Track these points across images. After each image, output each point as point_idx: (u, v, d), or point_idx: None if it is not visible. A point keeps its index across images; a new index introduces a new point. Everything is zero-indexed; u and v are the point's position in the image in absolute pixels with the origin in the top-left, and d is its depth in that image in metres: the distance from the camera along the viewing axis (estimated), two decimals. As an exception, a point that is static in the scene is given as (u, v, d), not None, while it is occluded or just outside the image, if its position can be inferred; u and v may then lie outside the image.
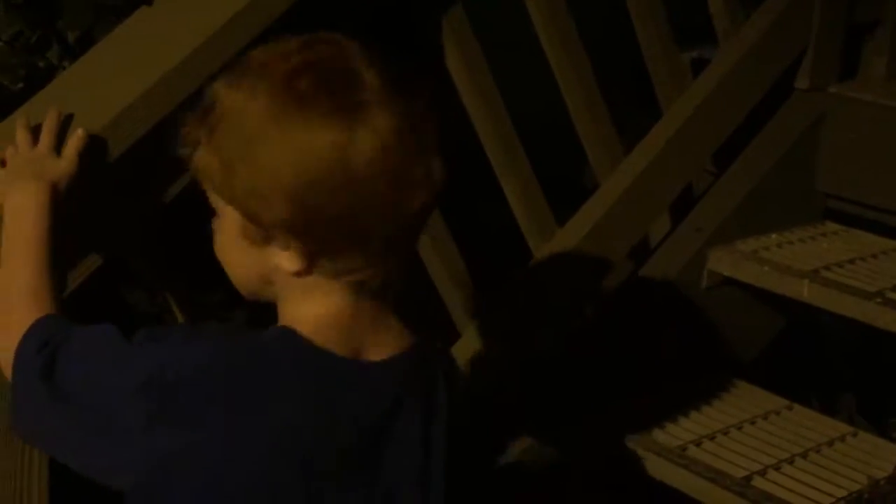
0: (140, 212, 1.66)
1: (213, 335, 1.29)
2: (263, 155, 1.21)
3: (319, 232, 1.21)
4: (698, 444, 2.11)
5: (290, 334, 1.24)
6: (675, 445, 2.09)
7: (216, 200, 1.27)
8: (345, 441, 1.25)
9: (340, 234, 1.22)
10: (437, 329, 2.22)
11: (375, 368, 1.27)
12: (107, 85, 1.62)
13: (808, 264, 2.32)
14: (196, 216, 1.34)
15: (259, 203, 1.22)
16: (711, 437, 2.14)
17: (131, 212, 1.64)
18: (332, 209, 1.20)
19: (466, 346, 2.15)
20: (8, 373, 1.33)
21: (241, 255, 1.28)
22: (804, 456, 2.11)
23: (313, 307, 1.25)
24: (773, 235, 2.44)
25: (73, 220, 1.46)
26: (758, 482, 2.02)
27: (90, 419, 1.25)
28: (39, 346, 1.30)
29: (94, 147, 1.52)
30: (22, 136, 1.50)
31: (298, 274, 1.24)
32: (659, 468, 2.06)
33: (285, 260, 1.24)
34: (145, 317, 2.24)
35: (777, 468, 2.07)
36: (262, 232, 1.24)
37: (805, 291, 2.26)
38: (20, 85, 1.70)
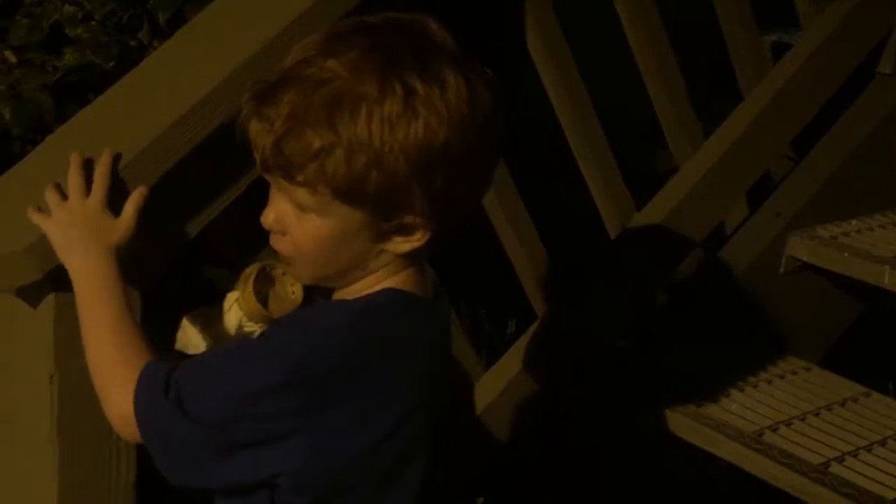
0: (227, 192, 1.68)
1: (333, 315, 1.31)
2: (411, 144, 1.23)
3: (446, 209, 1.27)
4: (775, 430, 2.11)
5: (401, 295, 1.32)
6: (751, 431, 2.09)
7: (317, 204, 1.26)
8: (437, 365, 1.39)
9: (460, 207, 1.30)
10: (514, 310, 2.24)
11: (437, 304, 1.40)
12: (192, 70, 1.64)
13: (890, 250, 2.30)
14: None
15: (401, 198, 1.25)
16: (788, 423, 2.13)
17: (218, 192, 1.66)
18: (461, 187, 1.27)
19: (543, 329, 2.16)
20: (127, 430, 1.33)
21: (344, 251, 1.30)
22: (882, 443, 2.10)
23: (404, 267, 1.32)
24: (854, 221, 2.42)
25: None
26: (835, 468, 2.01)
27: (246, 429, 1.26)
28: (163, 390, 1.29)
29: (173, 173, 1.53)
30: (76, 182, 1.45)
31: (409, 252, 1.30)
32: (735, 453, 2.06)
33: (403, 244, 1.29)
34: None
35: (854, 455, 2.05)
36: (392, 226, 1.28)
37: (886, 277, 2.24)
38: (112, 63, 1.74)
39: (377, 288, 1.32)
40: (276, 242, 1.33)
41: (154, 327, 1.49)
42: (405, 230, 1.29)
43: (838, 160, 2.45)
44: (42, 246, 1.47)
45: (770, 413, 2.16)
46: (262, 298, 1.42)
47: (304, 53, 1.26)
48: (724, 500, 2.27)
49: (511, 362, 2.15)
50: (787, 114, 2.38)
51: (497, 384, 2.13)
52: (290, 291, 1.43)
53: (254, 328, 1.45)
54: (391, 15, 1.30)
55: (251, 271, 1.43)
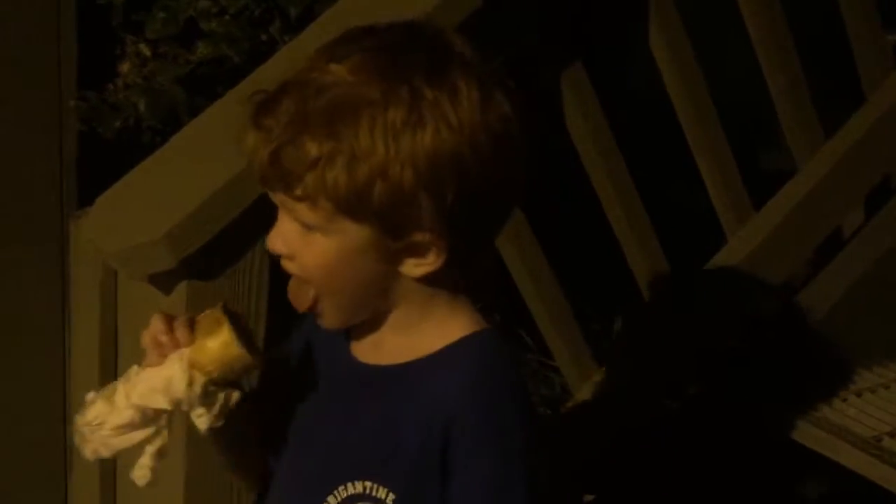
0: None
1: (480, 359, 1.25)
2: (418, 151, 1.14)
3: (462, 228, 1.18)
4: (893, 436, 2.08)
5: (496, 334, 1.25)
6: (870, 436, 2.06)
7: (320, 221, 1.18)
8: None
9: (480, 227, 1.21)
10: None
11: None
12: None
13: None
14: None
15: (408, 213, 1.16)
16: (908, 430, 2.11)
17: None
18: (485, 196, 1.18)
19: (656, 327, 2.16)
20: None
21: (354, 274, 1.21)
22: None
23: (456, 302, 1.24)
24: (978, 226, 2.38)
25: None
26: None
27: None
28: None
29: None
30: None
31: (427, 276, 1.20)
32: (854, 458, 2.03)
33: (417, 267, 1.19)
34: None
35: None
36: (401, 245, 1.18)
37: None
38: (243, 57, 1.77)
39: (459, 335, 1.23)
40: (286, 265, 1.24)
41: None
42: (416, 251, 1.19)
43: (962, 164, 2.41)
44: (177, 235, 1.51)
45: (888, 418, 2.13)
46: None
47: (308, 59, 1.19)
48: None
49: (623, 360, 2.15)
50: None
51: (609, 380, 2.13)
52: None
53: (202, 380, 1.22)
54: (406, 20, 1.26)
55: (214, 315, 1.23)
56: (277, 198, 1.21)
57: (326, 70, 1.16)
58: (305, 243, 1.20)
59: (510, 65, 1.72)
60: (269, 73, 1.67)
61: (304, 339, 1.34)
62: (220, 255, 1.58)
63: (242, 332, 1.21)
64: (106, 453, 1.23)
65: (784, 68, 2.22)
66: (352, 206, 1.15)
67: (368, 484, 1.23)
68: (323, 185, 1.14)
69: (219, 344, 1.20)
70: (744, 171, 2.24)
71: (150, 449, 1.22)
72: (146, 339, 1.23)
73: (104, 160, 1.73)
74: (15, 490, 1.77)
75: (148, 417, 1.20)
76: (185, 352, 1.20)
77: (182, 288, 1.57)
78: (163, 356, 1.21)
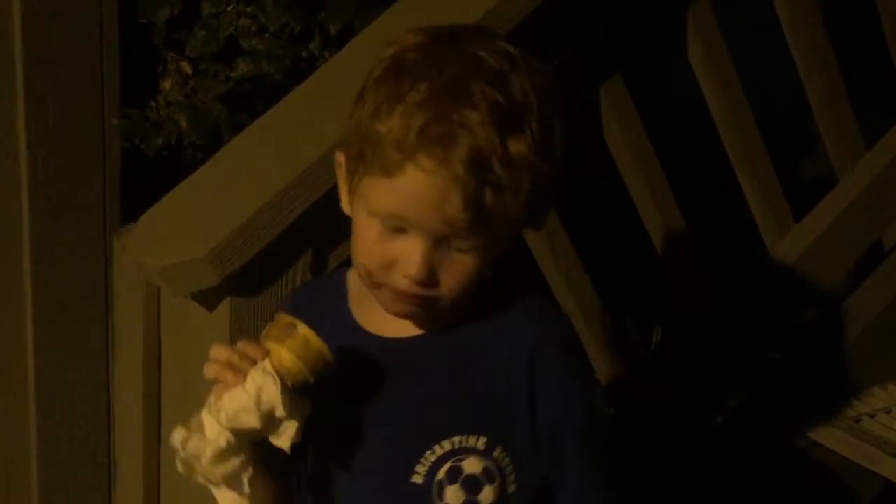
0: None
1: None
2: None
3: None
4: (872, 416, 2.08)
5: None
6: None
7: (486, 242, 1.24)
8: None
9: None
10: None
11: None
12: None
13: None
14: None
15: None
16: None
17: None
18: None
19: (697, 339, 2.15)
20: None
21: (481, 274, 1.28)
22: None
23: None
24: None
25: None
26: None
27: None
28: None
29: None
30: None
31: None
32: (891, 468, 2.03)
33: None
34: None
35: None
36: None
37: None
38: (283, 74, 1.78)
39: (511, 298, 1.33)
40: (421, 290, 1.26)
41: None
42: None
43: None
44: (220, 252, 1.52)
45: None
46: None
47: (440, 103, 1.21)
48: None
49: (663, 370, 2.14)
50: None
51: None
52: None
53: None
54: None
55: (281, 322, 1.25)
56: (440, 234, 1.23)
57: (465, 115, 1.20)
58: (454, 265, 1.25)
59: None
60: (310, 90, 1.69)
61: None
62: (264, 272, 1.58)
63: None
64: (213, 481, 1.23)
65: (823, 77, 2.21)
66: (522, 223, 1.27)
67: (457, 439, 1.29)
68: (514, 213, 1.23)
69: (298, 344, 1.21)
70: (784, 181, 2.23)
71: (246, 477, 1.22)
72: (212, 369, 1.23)
73: (147, 177, 1.74)
74: (60, 501, 1.79)
75: (241, 441, 1.20)
76: (266, 363, 1.21)
77: (226, 305, 1.58)
78: (241, 375, 1.21)
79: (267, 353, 1.22)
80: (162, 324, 1.70)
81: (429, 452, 1.29)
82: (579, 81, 1.93)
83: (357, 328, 1.35)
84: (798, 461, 2.19)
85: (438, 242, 1.23)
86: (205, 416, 1.22)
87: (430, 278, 1.24)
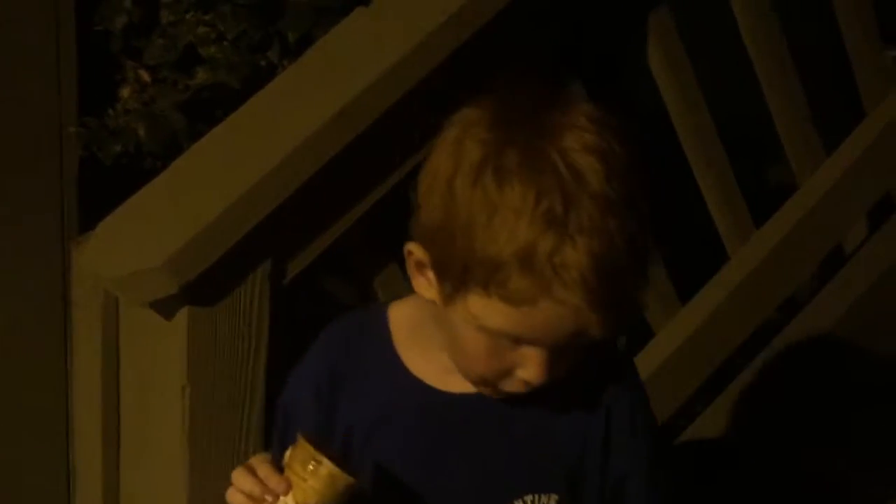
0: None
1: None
2: None
3: None
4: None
5: None
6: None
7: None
8: None
9: None
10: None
11: None
12: (320, 90, 1.67)
13: None
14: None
15: None
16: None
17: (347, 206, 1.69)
18: None
19: (661, 346, 2.16)
20: None
21: None
22: None
23: None
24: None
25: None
26: None
27: None
28: None
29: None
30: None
31: None
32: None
33: None
34: (342, 305, 2.31)
35: None
36: None
37: None
38: (242, 83, 1.78)
39: None
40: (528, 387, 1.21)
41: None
42: None
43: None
44: (177, 261, 1.51)
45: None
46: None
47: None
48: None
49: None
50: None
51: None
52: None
53: None
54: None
55: (304, 452, 1.19)
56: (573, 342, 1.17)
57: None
58: (571, 354, 1.19)
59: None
60: (268, 98, 1.68)
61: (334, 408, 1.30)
62: (222, 281, 1.58)
63: (336, 457, 1.18)
64: None
65: (783, 84, 2.22)
66: None
67: (529, 498, 1.27)
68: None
69: (323, 483, 1.17)
70: (746, 186, 2.24)
71: None
72: (238, 499, 1.20)
73: (104, 186, 1.73)
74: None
75: None
76: (290, 499, 1.17)
77: (184, 314, 1.57)
78: None
79: (289, 488, 1.18)
80: (120, 333, 1.69)
81: None
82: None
83: (414, 381, 1.28)
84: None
85: (567, 345, 1.18)
86: None
87: (552, 375, 1.20)
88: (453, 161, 1.16)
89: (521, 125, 1.15)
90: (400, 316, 1.31)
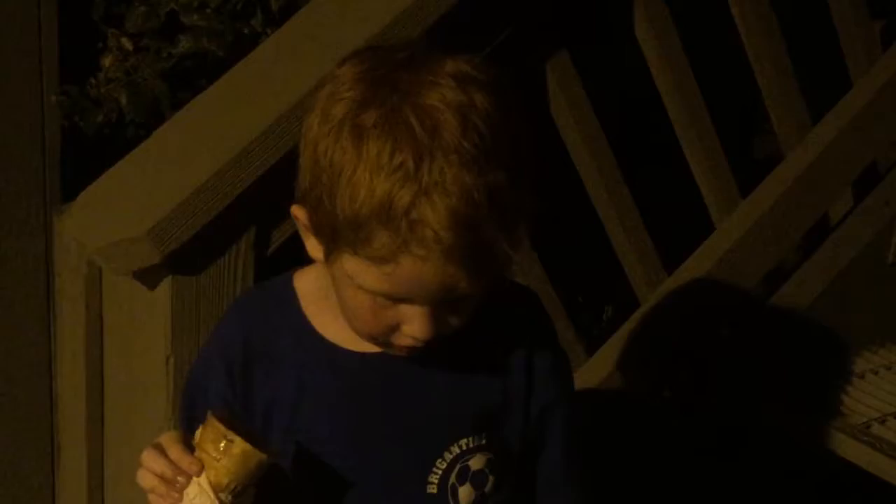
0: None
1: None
2: None
3: None
4: (883, 422, 2.08)
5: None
6: (859, 422, 2.06)
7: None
8: None
9: None
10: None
11: None
12: (303, 57, 1.65)
13: None
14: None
15: None
16: (896, 415, 2.10)
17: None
18: None
19: (646, 316, 2.16)
20: None
21: None
22: None
23: None
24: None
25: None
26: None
27: None
28: None
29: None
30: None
31: None
32: (842, 444, 2.03)
33: None
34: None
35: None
36: None
37: None
38: (225, 50, 1.76)
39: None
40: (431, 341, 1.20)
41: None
42: None
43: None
44: (161, 230, 1.50)
45: (877, 404, 2.13)
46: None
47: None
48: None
49: (613, 350, 2.15)
50: (898, 101, 2.34)
51: (600, 372, 2.13)
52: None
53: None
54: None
55: (214, 430, 1.16)
56: (444, 298, 1.16)
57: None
58: (459, 309, 1.19)
59: (494, 55, 1.73)
60: (251, 66, 1.67)
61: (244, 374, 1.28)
62: (206, 250, 1.57)
63: (247, 433, 1.16)
64: None
65: (770, 54, 2.22)
66: (515, 250, 1.15)
67: (462, 442, 1.28)
68: (508, 252, 1.14)
69: (235, 458, 1.15)
70: (735, 158, 2.24)
71: None
72: (148, 479, 1.17)
73: (87, 155, 1.72)
74: (1, 482, 1.77)
75: None
76: (203, 480, 1.15)
77: (167, 283, 1.56)
78: (174, 490, 1.16)
79: (201, 468, 1.15)
80: (104, 303, 1.68)
81: (439, 461, 1.28)
82: (525, 58, 1.93)
83: (325, 344, 1.27)
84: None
85: (441, 300, 1.16)
86: None
87: (438, 331, 1.19)
88: (318, 120, 1.15)
89: (383, 83, 1.13)
90: (305, 282, 1.30)
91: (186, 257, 1.54)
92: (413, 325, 1.17)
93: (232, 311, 1.36)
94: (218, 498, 1.14)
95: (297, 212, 1.21)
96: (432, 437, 1.28)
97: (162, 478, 1.16)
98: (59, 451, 1.79)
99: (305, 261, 1.28)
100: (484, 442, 1.29)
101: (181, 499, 1.15)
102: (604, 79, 2.11)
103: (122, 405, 1.69)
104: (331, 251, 1.17)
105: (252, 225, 1.60)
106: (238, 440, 1.14)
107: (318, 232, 1.18)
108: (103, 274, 1.65)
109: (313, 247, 1.21)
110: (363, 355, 1.26)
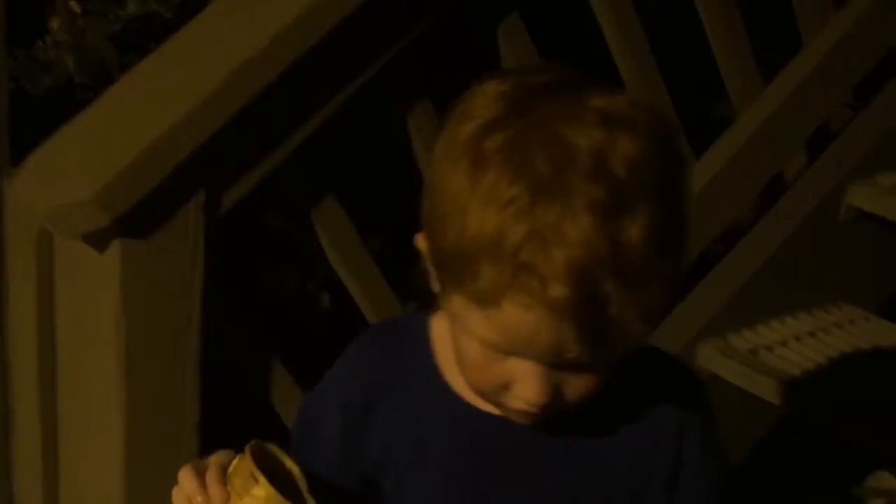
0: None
1: None
2: None
3: None
4: (770, 350, 2.18)
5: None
6: (747, 349, 2.17)
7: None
8: None
9: None
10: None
11: None
12: (251, 19, 1.64)
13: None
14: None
15: None
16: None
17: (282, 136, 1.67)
18: None
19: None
20: None
21: None
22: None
23: None
24: (916, 170, 2.40)
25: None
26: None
27: None
28: None
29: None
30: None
31: None
32: (731, 371, 2.13)
33: None
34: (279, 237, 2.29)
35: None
36: None
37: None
38: (173, 12, 1.76)
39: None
40: (545, 411, 1.09)
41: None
42: None
43: (901, 108, 2.42)
44: (109, 192, 1.50)
45: (773, 335, 2.22)
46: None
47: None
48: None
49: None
50: (849, 62, 2.35)
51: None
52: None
53: None
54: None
55: (247, 466, 1.11)
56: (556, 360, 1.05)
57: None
58: (577, 381, 1.07)
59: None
60: (198, 28, 1.66)
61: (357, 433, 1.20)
62: (154, 213, 1.57)
63: (284, 483, 1.10)
64: None
65: (721, 14, 2.22)
66: (650, 327, 1.05)
67: None
68: (638, 328, 1.03)
69: (258, 500, 1.09)
70: (691, 119, 2.24)
71: None
72: (179, 501, 1.13)
73: (35, 119, 1.71)
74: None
75: None
76: None
77: (116, 246, 1.56)
78: None
79: (226, 500, 1.11)
80: (55, 267, 1.68)
81: None
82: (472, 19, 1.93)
83: (458, 402, 1.17)
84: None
85: (556, 363, 1.05)
86: None
87: (552, 398, 1.07)
88: (446, 138, 1.06)
89: (517, 107, 1.03)
90: (440, 327, 1.17)
91: (135, 220, 1.54)
92: (523, 385, 1.06)
93: (355, 348, 1.25)
94: None
95: (419, 239, 1.11)
96: None
97: (189, 501, 1.12)
98: (12, 417, 1.78)
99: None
100: None
101: None
102: (556, 42, 2.11)
103: (74, 368, 1.69)
104: (443, 286, 1.08)
105: (201, 187, 1.60)
106: (263, 481, 1.09)
107: (432, 263, 1.09)
108: (54, 238, 1.65)
109: (433, 280, 1.11)
110: (491, 416, 1.15)
